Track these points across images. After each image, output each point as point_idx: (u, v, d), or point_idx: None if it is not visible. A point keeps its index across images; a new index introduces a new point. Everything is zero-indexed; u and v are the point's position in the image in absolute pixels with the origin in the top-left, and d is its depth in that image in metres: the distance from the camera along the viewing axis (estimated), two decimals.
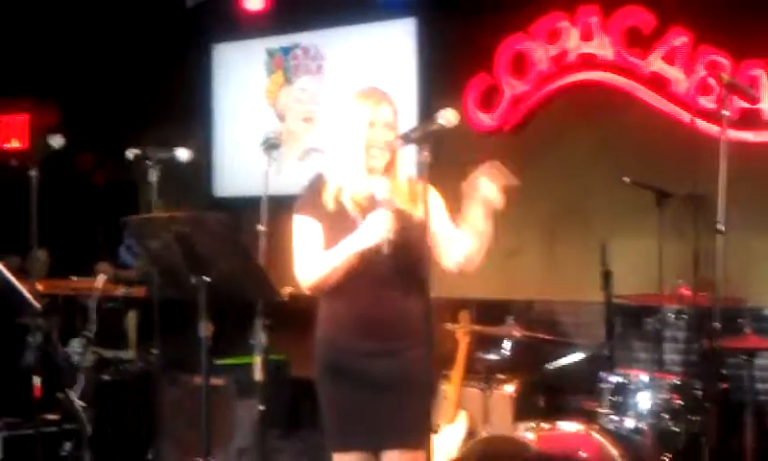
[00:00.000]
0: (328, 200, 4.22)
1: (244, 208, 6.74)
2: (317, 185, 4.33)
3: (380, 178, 4.12)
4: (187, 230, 4.24)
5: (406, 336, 4.17)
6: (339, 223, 4.14)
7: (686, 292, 5.96)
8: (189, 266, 4.32)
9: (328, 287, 4.19)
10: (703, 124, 6.59)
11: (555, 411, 6.36)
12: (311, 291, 4.25)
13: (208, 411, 4.58)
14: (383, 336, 4.17)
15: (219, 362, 6.85)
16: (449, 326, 6.56)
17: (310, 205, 4.27)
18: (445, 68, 8.38)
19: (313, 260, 4.18)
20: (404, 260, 4.06)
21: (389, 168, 4.25)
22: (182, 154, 5.81)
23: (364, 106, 4.27)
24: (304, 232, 4.26)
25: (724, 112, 3.49)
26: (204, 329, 4.43)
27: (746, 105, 6.63)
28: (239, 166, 9.37)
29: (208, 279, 4.32)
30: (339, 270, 4.10)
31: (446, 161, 7.81)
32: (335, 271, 4.12)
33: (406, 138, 4.09)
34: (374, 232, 3.94)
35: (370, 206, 4.07)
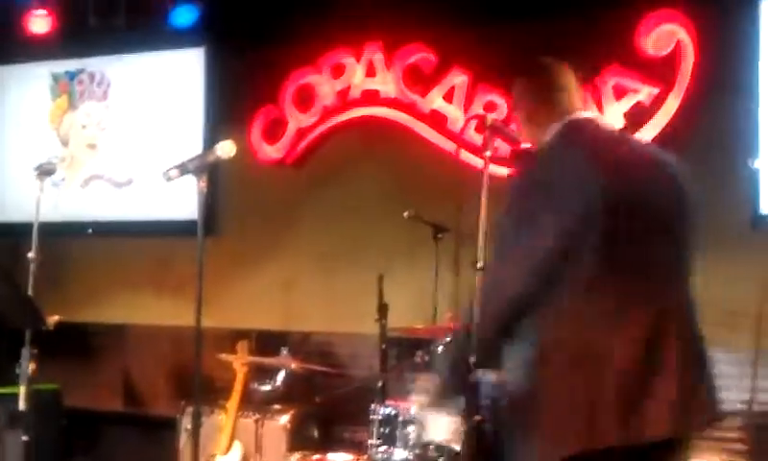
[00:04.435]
0: None
1: (22, 235, 6.60)
2: None
3: None
4: None
5: None
6: None
7: (453, 325, 6.09)
8: None
9: None
10: (472, 160, 6.78)
11: (328, 442, 6.43)
12: None
13: None
14: None
15: None
16: (227, 356, 6.56)
17: None
18: (232, 99, 8.39)
19: None
20: None
21: None
22: None
23: None
24: None
25: (486, 153, 3.62)
26: None
27: None
28: (19, 191, 9.13)
29: None
30: None
31: (230, 191, 7.96)
32: None
33: (183, 169, 4.09)
34: None
35: None
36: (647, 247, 3.55)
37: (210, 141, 8.17)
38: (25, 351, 5.38)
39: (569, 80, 3.93)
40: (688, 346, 3.53)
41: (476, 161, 6.81)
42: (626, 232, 3.49)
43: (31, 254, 5.68)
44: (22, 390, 5.39)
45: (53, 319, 5.31)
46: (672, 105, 6.94)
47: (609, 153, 3.65)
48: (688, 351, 3.52)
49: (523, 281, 3.50)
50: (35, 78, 9.46)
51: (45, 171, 6.16)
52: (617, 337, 3.42)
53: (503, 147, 5.30)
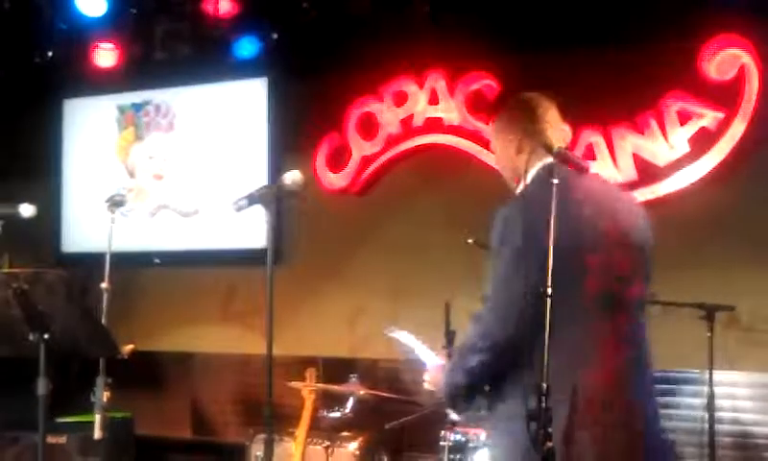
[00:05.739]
0: None
1: (92, 264, 6.71)
2: None
3: None
4: (27, 286, 4.22)
5: None
6: None
7: None
8: (29, 323, 4.30)
9: None
10: None
11: None
12: None
13: None
14: None
15: (60, 420, 6.76)
16: (295, 383, 6.59)
17: None
18: (296, 128, 8.48)
19: None
20: None
21: None
22: (25, 209, 5.72)
23: None
24: None
25: (553, 181, 3.62)
26: (43, 387, 4.40)
27: None
28: (88, 222, 9.27)
29: (47, 336, 4.30)
30: None
31: (295, 220, 8.01)
32: None
33: (251, 199, 4.13)
34: None
35: None
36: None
37: (275, 170, 8.28)
38: (100, 380, 5.46)
39: (552, 116, 3.94)
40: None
41: None
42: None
43: (104, 285, 5.78)
44: (97, 418, 5.47)
45: (128, 348, 5.39)
46: (737, 129, 6.93)
47: (588, 196, 3.67)
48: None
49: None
50: (101, 110, 9.60)
51: (116, 202, 6.27)
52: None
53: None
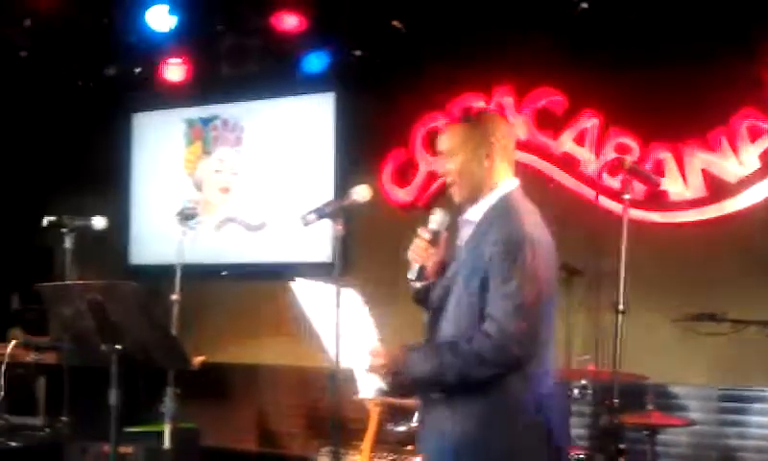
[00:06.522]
0: None
1: (159, 276, 6.77)
2: None
3: None
4: (100, 298, 4.27)
5: None
6: None
7: (591, 368, 6.08)
8: (101, 334, 4.35)
9: None
10: (609, 203, 6.75)
11: None
12: None
13: None
14: None
15: (129, 430, 6.81)
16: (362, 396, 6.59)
17: None
18: (363, 143, 8.51)
19: None
20: None
21: None
22: (98, 222, 5.83)
23: None
24: None
25: (625, 196, 3.61)
26: (115, 397, 4.44)
27: None
28: (155, 235, 9.36)
29: (120, 347, 4.35)
30: None
31: (361, 234, 8.02)
32: None
33: (320, 213, 4.14)
34: None
35: None
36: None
37: (341, 185, 8.32)
38: (169, 391, 5.51)
39: (512, 139, 4.03)
40: None
41: (610, 204, 6.81)
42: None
43: (174, 296, 5.83)
44: (166, 429, 5.52)
45: (198, 359, 5.43)
46: None
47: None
48: None
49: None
50: (169, 125, 9.73)
51: (186, 216, 6.32)
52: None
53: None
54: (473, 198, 3.89)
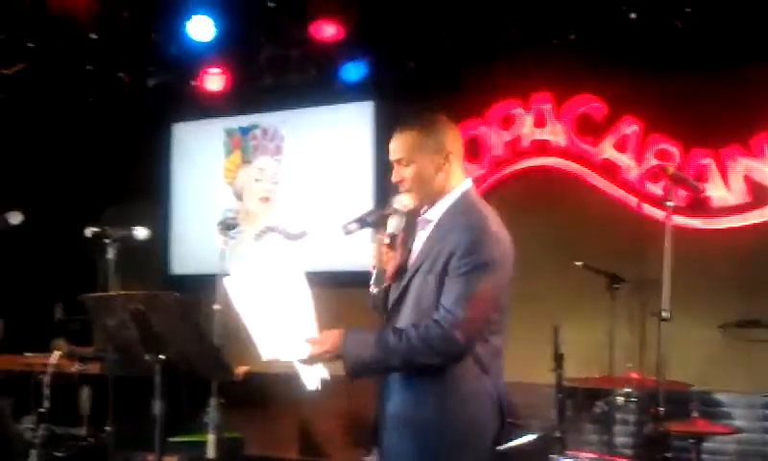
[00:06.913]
0: None
1: (200, 286, 6.78)
2: None
3: None
4: (143, 308, 4.29)
5: None
6: None
7: (635, 375, 6.04)
8: (145, 344, 4.36)
9: None
10: (651, 210, 6.72)
11: None
12: None
13: None
14: None
15: (173, 440, 6.83)
16: None
17: None
18: None
19: None
20: None
21: None
22: (140, 232, 5.86)
23: None
24: None
25: (668, 203, 3.59)
26: (158, 407, 4.45)
27: None
28: (196, 244, 9.40)
29: (163, 357, 4.36)
30: None
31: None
32: None
33: (362, 222, 4.14)
34: None
35: None
36: None
37: (380, 193, 8.31)
38: (213, 401, 5.52)
39: (461, 141, 4.15)
40: None
41: (652, 210, 6.78)
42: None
43: (216, 306, 5.84)
44: (210, 439, 5.53)
45: (242, 369, 5.43)
46: None
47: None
48: None
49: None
50: (209, 134, 9.75)
51: (227, 225, 6.34)
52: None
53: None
54: (431, 201, 3.99)
